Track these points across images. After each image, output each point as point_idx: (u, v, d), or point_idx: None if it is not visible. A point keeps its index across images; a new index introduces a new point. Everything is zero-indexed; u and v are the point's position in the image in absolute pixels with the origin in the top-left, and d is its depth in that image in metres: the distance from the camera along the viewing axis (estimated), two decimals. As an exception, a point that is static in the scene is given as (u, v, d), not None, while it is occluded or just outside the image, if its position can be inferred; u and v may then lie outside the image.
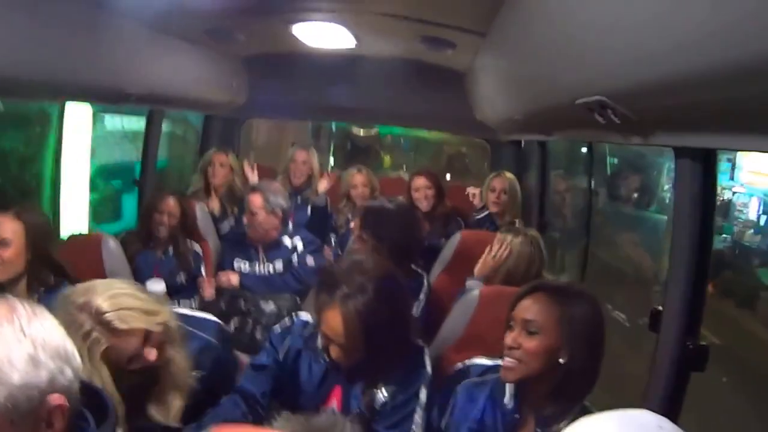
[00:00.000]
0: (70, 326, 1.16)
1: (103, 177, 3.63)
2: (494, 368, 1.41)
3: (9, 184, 2.89)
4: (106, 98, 2.40)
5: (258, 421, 1.41)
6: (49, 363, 0.75)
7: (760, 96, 0.81)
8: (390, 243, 1.97)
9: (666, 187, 3.57)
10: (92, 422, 0.83)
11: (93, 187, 3.47)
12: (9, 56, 1.52)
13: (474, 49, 2.59)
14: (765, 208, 2.86)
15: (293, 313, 1.59)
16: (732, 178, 2.93)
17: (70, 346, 0.80)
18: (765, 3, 0.64)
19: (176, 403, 1.32)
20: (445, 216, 2.89)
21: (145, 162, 3.14)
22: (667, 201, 3.47)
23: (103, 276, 2.05)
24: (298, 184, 3.24)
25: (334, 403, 1.43)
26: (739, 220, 2.90)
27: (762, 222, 2.87)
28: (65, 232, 3.04)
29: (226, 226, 3.05)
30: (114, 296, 1.22)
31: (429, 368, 1.44)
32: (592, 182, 3.31)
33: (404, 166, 6.87)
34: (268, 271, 2.55)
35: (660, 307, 1.44)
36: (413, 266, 2.11)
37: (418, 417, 1.38)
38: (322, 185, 3.21)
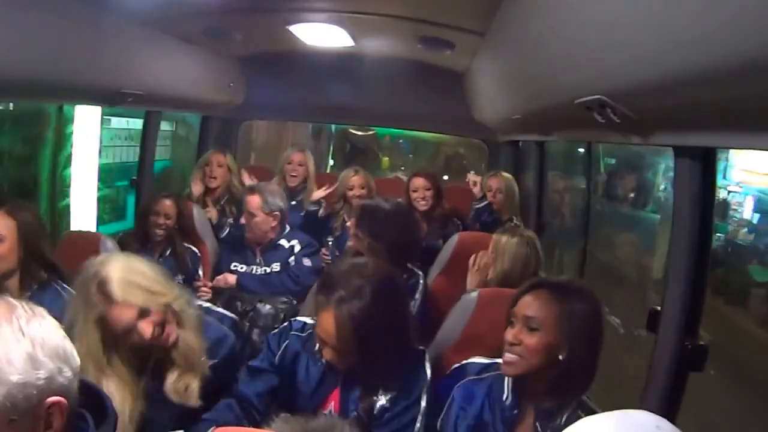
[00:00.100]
0: (81, 289, 1.31)
1: (107, 177, 3.62)
2: (492, 366, 1.42)
3: (7, 184, 2.88)
4: (103, 99, 2.39)
5: (254, 424, 1.41)
6: (47, 363, 0.75)
7: (759, 94, 0.82)
8: (386, 242, 1.97)
9: (662, 186, 3.58)
10: (91, 423, 0.83)
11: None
12: (7, 57, 1.52)
13: (473, 50, 2.60)
14: (758, 207, 2.88)
15: (291, 318, 1.58)
16: (724, 177, 2.94)
17: (69, 346, 0.80)
18: (764, 2, 0.65)
19: (192, 385, 1.40)
20: (443, 217, 2.89)
21: (143, 163, 3.13)
22: (662, 200, 3.48)
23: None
24: (292, 186, 3.18)
25: (332, 405, 1.42)
26: (734, 219, 2.91)
27: (755, 220, 2.89)
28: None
29: (225, 228, 3.03)
30: (123, 269, 1.33)
31: (429, 373, 1.44)
32: (590, 182, 3.31)
33: (402, 167, 6.88)
34: (265, 272, 2.54)
35: (658, 308, 1.44)
36: (409, 265, 2.10)
37: (419, 423, 1.38)
38: (318, 194, 3.19)
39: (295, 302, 2.44)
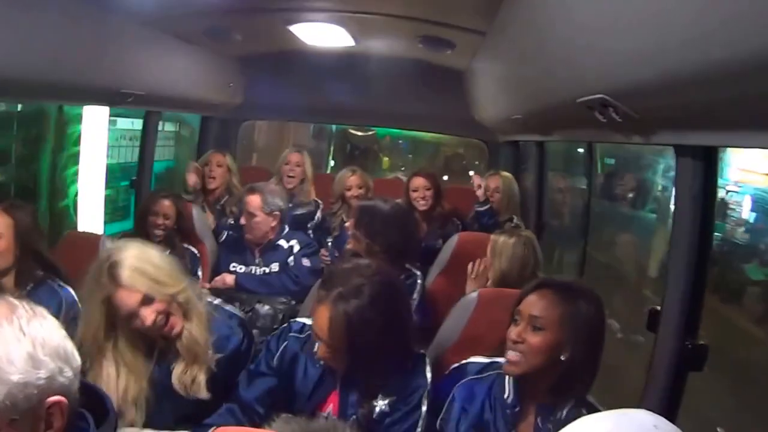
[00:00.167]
0: (94, 270, 1.37)
1: (110, 177, 3.62)
2: (492, 365, 1.42)
3: (6, 184, 2.87)
4: (103, 99, 2.39)
5: (255, 427, 1.41)
6: (48, 362, 0.75)
7: (760, 93, 0.82)
8: (384, 241, 1.97)
9: (660, 186, 3.58)
10: (92, 423, 0.83)
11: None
12: (7, 57, 1.52)
13: (473, 49, 2.60)
14: (755, 206, 2.88)
15: (290, 318, 1.58)
16: (721, 176, 2.94)
17: (69, 346, 0.80)
18: (764, 2, 0.65)
19: (199, 378, 1.44)
20: (442, 217, 2.88)
21: (142, 163, 3.12)
22: (661, 200, 3.48)
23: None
24: (290, 188, 3.12)
25: (330, 408, 1.42)
26: (732, 218, 2.91)
27: (752, 219, 2.90)
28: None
29: (223, 234, 3.00)
30: (135, 256, 1.39)
31: (429, 377, 1.43)
32: (590, 182, 3.31)
33: (402, 168, 6.88)
34: (264, 272, 2.54)
35: (658, 307, 1.44)
36: (407, 265, 2.10)
37: (419, 429, 1.37)
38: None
39: (293, 303, 2.42)
